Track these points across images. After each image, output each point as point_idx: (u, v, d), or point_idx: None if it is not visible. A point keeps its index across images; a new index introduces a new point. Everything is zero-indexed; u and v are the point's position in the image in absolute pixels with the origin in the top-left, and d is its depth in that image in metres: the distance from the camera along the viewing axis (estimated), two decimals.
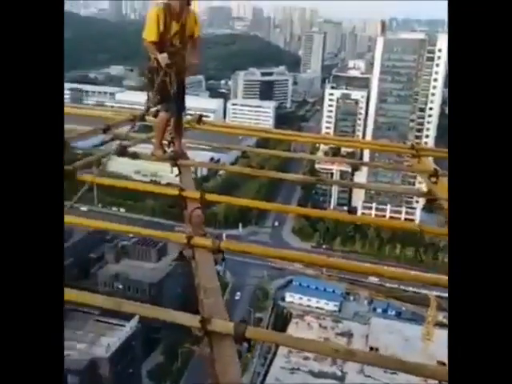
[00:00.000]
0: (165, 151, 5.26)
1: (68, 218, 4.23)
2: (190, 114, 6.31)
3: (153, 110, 5.35)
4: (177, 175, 4.95)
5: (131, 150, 5.35)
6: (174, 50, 4.89)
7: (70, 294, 3.11)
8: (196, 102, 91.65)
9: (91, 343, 42.85)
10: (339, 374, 48.54)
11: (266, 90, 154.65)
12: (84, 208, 68.47)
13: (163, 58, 4.76)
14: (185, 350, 49.17)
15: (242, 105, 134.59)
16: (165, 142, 5.39)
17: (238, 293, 63.32)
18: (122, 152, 4.92)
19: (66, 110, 7.69)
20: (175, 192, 4.29)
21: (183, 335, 43.68)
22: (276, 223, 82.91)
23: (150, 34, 4.80)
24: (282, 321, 59.69)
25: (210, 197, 4.24)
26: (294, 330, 53.46)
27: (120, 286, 52.62)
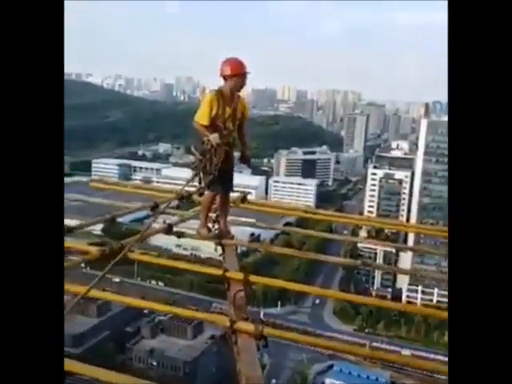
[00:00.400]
0: (210, 230, 5.31)
1: (108, 295, 4.25)
2: (236, 191, 6.39)
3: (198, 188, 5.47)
4: (220, 254, 4.96)
5: (174, 222, 5.44)
6: (227, 132, 5.12)
7: (110, 376, 3.04)
8: (239, 179, 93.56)
9: None
10: None
11: (308, 169, 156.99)
12: (116, 279, 69.04)
13: (215, 138, 4.95)
14: None
15: (283, 182, 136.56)
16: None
17: (275, 380, 60.40)
18: (168, 230, 5.01)
19: (117, 187, 8.00)
20: (219, 272, 4.27)
21: None
22: (317, 301, 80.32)
23: (202, 117, 5.04)
24: None
25: (253, 278, 4.18)
26: None
27: (154, 363, 51.50)
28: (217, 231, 5.32)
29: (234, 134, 5.21)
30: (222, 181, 5.16)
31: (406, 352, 60.02)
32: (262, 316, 58.98)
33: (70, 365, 2.90)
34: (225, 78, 5.05)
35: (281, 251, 6.66)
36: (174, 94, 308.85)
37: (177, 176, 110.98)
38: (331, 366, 63.91)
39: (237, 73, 4.99)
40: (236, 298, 3.79)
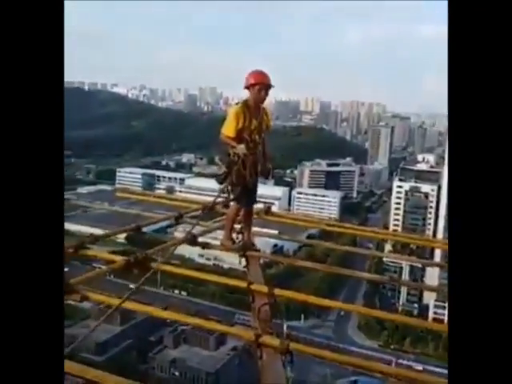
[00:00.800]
0: (234, 242, 5.30)
1: (131, 304, 4.24)
2: (259, 201, 6.36)
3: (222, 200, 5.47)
4: (245, 266, 4.94)
5: (198, 232, 5.43)
6: (253, 144, 5.14)
7: None
8: (262, 190, 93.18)
9: None
10: None
11: (332, 181, 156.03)
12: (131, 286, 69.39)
13: (241, 148, 4.97)
14: None
15: (307, 194, 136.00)
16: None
17: None
18: (192, 241, 5.01)
19: (141, 197, 8.07)
20: (243, 284, 4.23)
21: None
22: (342, 313, 79.02)
23: (228, 129, 5.07)
24: None
25: (278, 292, 4.12)
26: None
27: (176, 373, 51.49)
28: (241, 243, 5.31)
29: (260, 146, 5.22)
30: (246, 193, 5.16)
31: (419, 368, 58.78)
32: (285, 329, 58.53)
33: (92, 373, 2.91)
34: (248, 88, 5.10)
35: (305, 265, 6.54)
36: (198, 104, 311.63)
37: (200, 186, 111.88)
38: (355, 382, 62.68)
39: (259, 81, 5.05)
40: (261, 312, 3.75)
